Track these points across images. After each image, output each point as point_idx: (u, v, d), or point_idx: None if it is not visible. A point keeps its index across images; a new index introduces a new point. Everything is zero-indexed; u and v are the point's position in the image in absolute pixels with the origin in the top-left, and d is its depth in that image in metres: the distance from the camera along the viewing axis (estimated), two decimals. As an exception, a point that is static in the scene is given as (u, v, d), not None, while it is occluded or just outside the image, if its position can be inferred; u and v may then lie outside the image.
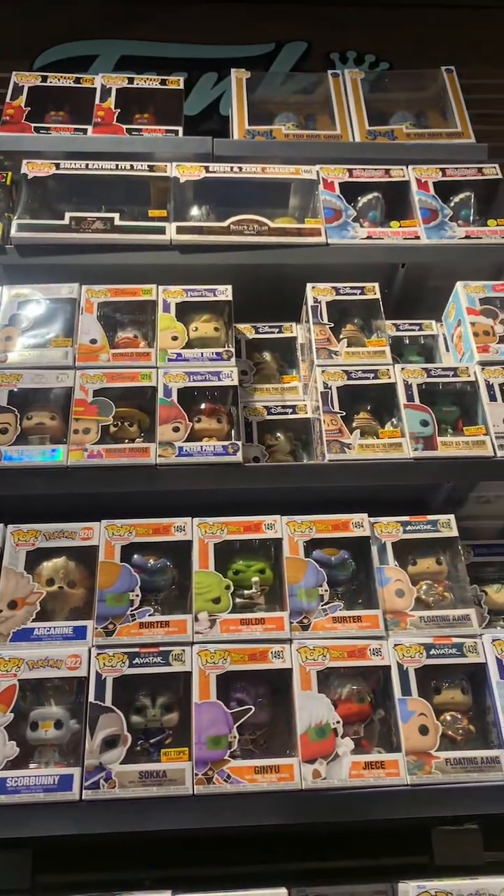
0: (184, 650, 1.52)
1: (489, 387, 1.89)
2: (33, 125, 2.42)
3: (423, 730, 1.48)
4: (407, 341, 2.21)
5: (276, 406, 2.04)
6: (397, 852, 1.89)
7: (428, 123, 2.66)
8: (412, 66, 2.97)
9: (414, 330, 2.22)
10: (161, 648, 1.52)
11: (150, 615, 1.57)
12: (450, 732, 1.52)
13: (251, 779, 1.41)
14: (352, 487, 1.82)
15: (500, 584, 1.83)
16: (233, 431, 1.85)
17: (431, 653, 1.56)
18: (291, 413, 2.03)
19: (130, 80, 2.56)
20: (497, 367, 1.92)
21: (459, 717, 1.54)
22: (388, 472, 1.79)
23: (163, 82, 2.58)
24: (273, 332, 2.20)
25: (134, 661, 1.51)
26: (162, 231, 2.14)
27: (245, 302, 2.16)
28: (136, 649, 1.52)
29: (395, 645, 1.56)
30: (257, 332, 2.19)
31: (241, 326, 2.18)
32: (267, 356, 2.19)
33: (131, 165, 2.29)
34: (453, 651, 1.56)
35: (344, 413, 1.88)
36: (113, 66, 3.22)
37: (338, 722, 1.48)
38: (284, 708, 1.53)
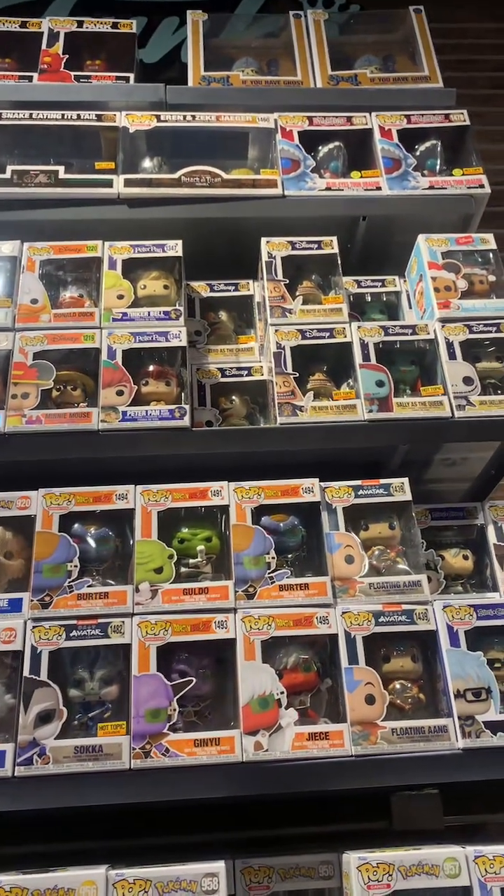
0: (123, 622, 1.47)
1: (449, 345, 1.81)
2: (-24, 73, 2.29)
3: (370, 699, 1.44)
4: (369, 298, 2.12)
5: (231, 368, 1.96)
6: (357, 818, 1.88)
7: (396, 67, 2.53)
8: (383, 8, 2.82)
9: (376, 286, 2.13)
10: (99, 620, 1.47)
11: (88, 586, 1.51)
12: (398, 701, 1.48)
13: (190, 752, 1.37)
14: (306, 451, 1.76)
15: (458, 548, 1.77)
16: (182, 394, 1.78)
17: (380, 620, 1.51)
18: (247, 375, 1.95)
19: (80, 24, 2.42)
20: (457, 324, 1.84)
21: (409, 685, 1.50)
22: (341, 435, 1.72)
23: (114, 26, 2.43)
24: (229, 290, 2.11)
25: (71, 634, 1.46)
26: (109, 184, 2.03)
27: (200, 258, 2.07)
28: (74, 621, 1.47)
29: (343, 612, 1.51)
30: (212, 291, 2.10)
31: (194, 284, 2.08)
32: (223, 315, 2.10)
33: (78, 115, 2.16)
34: (403, 618, 1.52)
35: (297, 374, 1.80)
36: (70, 10, 3.05)
37: (281, 692, 1.43)
38: (229, 679, 1.49)
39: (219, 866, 1.27)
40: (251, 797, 1.56)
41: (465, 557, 1.76)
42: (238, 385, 1.95)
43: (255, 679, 1.44)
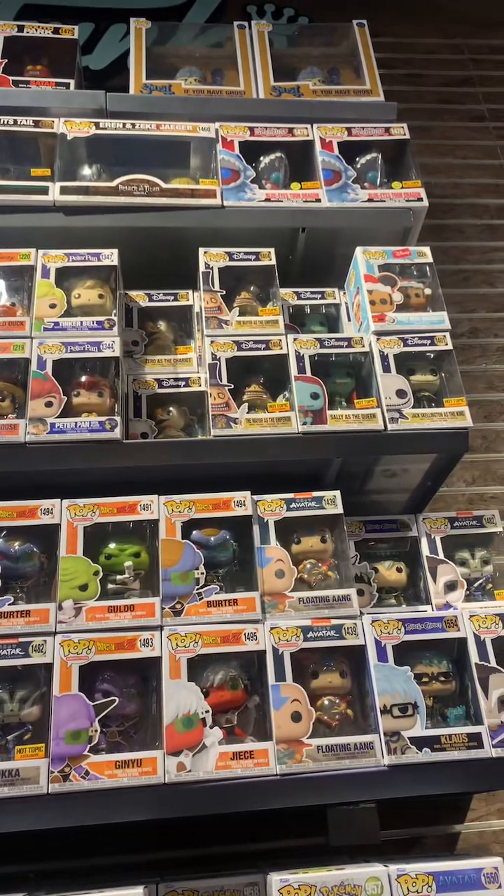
0: (45, 641, 1.43)
1: (383, 357, 1.82)
2: None
3: (296, 717, 1.42)
4: (308, 310, 2.11)
5: (169, 378, 1.94)
6: (294, 833, 1.86)
7: (341, 80, 2.54)
8: (333, 21, 2.84)
9: (316, 298, 2.12)
10: (20, 640, 1.43)
11: (10, 604, 1.47)
12: (325, 718, 1.46)
13: (111, 774, 1.34)
14: (242, 464, 1.74)
15: (392, 560, 1.77)
16: (116, 406, 1.75)
17: (309, 635, 1.49)
18: (184, 386, 1.93)
19: (20, 29, 2.38)
20: (392, 337, 1.84)
21: (337, 701, 1.48)
22: (275, 447, 1.71)
23: (56, 31, 2.40)
24: (168, 300, 2.08)
25: (-10, 654, 1.42)
26: (45, 191, 2.00)
27: (141, 268, 2.04)
28: (-6, 641, 1.43)
29: (272, 628, 1.49)
30: (151, 300, 2.07)
31: (133, 293, 2.05)
32: (162, 325, 2.07)
33: (14, 120, 2.12)
34: (332, 633, 1.50)
35: (233, 386, 1.79)
36: (14, 15, 3.01)
37: (207, 711, 1.41)
38: (155, 698, 1.46)
39: (136, 892, 1.24)
40: (181, 816, 1.53)
41: (399, 570, 1.76)
42: (176, 396, 1.92)
43: (179, 698, 1.41)
